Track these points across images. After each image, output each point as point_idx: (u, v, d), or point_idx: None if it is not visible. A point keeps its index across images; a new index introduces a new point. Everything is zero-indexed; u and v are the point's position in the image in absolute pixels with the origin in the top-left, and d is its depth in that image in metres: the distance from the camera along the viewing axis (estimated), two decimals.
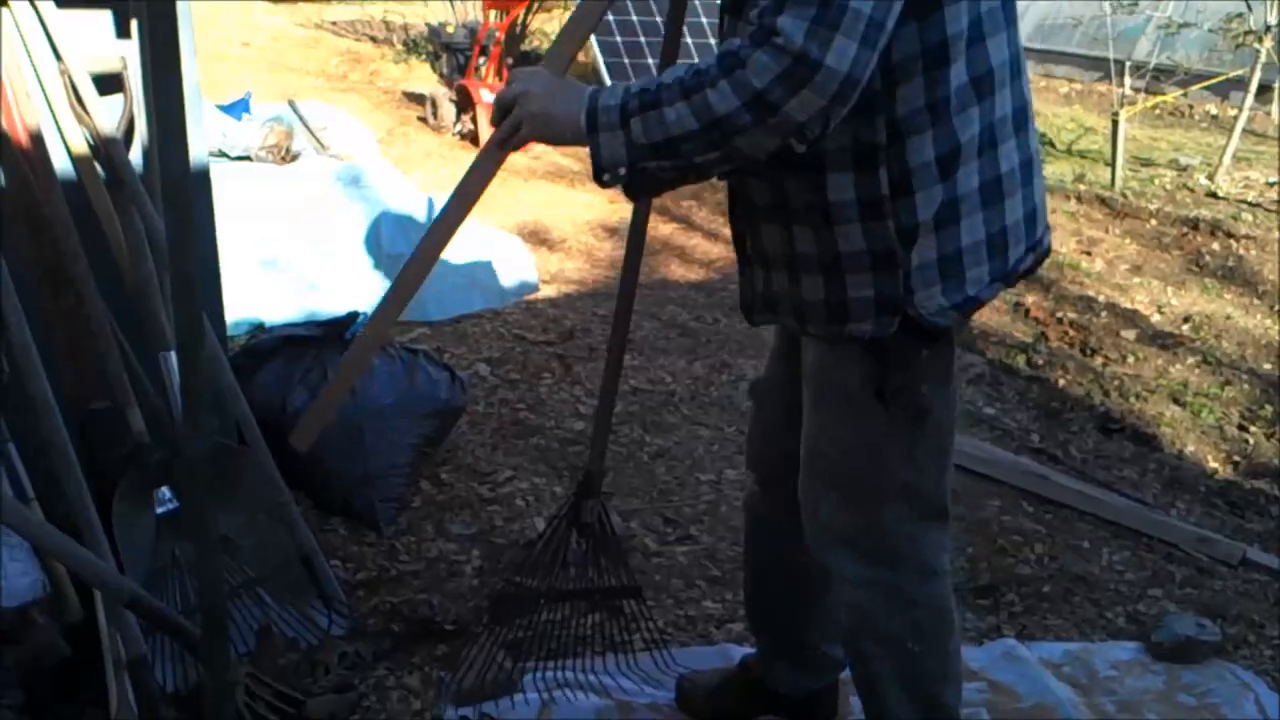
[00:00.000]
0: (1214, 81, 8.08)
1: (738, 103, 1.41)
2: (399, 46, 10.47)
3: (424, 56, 9.79)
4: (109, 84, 2.48)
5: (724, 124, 1.43)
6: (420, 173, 6.55)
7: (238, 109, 5.26)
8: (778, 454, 1.96)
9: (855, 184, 1.59)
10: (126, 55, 2.48)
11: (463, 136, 7.46)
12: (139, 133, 2.52)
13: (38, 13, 2.40)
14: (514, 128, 1.65)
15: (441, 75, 8.25)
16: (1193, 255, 5.92)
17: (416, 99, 8.36)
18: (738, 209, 1.81)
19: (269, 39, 10.86)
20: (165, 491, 2.31)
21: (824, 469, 1.80)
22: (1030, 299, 5.06)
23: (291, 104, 5.57)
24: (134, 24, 2.49)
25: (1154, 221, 6.41)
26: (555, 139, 1.64)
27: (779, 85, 1.38)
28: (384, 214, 4.27)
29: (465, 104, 7.44)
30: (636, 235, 2.25)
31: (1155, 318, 4.99)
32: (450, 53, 8.17)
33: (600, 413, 2.40)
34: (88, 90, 2.42)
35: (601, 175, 1.55)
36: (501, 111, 1.67)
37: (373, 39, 11.07)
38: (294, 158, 4.71)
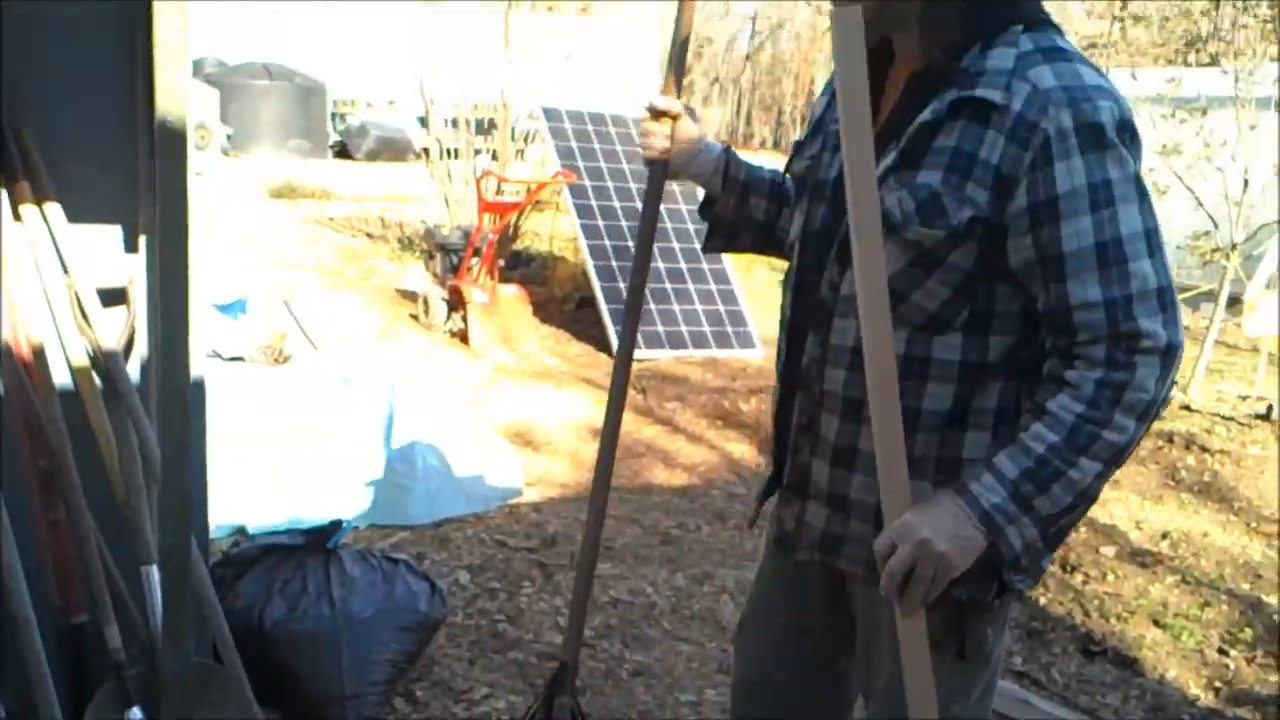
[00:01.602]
0: (1186, 296, 8.31)
1: (1136, 423, 1.46)
2: (395, 244, 10.76)
3: (418, 254, 10.05)
4: (113, 297, 2.56)
5: (1129, 449, 1.48)
6: (410, 369, 6.65)
7: (234, 309, 5.39)
8: (773, 705, 1.88)
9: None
10: (133, 270, 2.57)
11: (453, 334, 7.60)
12: (139, 346, 2.59)
13: (49, 226, 2.49)
14: (929, 581, 1.51)
15: (435, 274, 8.47)
16: (1169, 469, 5.98)
17: (410, 296, 8.55)
18: (809, 440, 1.71)
19: (269, 233, 11.15)
20: (136, 711, 2.27)
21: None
22: None
23: (286, 304, 5.70)
24: (142, 240, 2.59)
25: None
26: (965, 566, 1.52)
27: (1164, 384, 1.45)
28: (376, 420, 4.32)
29: (457, 303, 7.62)
30: (610, 434, 2.19)
31: (1134, 534, 5.02)
32: (444, 253, 8.40)
33: (575, 602, 2.30)
34: (92, 303, 2.50)
35: (1019, 562, 1.52)
36: (901, 576, 1.52)
37: (369, 235, 11.38)
38: (287, 359, 4.81)
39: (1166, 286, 1.45)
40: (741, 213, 1.96)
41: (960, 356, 1.56)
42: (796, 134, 35.07)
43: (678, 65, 1.99)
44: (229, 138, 17.22)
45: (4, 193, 2.34)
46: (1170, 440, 6.32)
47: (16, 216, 2.38)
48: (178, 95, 1.55)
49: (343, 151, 20.19)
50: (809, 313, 1.67)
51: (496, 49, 9.52)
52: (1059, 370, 1.49)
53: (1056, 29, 1.57)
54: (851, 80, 1.45)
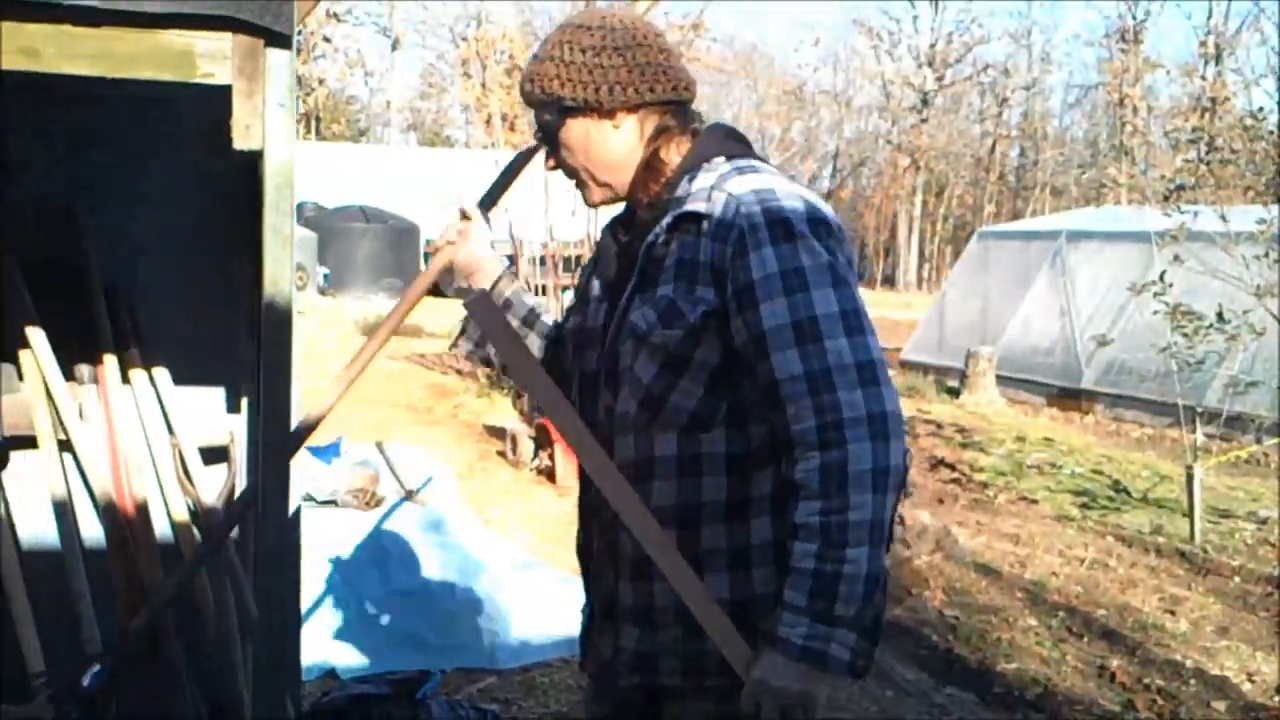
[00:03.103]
0: None
1: (872, 495, 1.56)
2: (483, 380, 10.93)
3: (506, 391, 10.19)
4: (215, 456, 2.66)
5: (884, 521, 1.58)
6: (497, 509, 6.68)
7: (328, 453, 5.51)
8: None
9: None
10: (234, 430, 2.67)
11: (540, 472, 7.65)
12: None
13: (156, 389, 2.61)
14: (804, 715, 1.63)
15: (522, 412, 8.57)
16: None
17: (497, 433, 8.64)
18: (610, 562, 1.80)
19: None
20: None
21: None
22: (1115, 662, 4.91)
23: (379, 446, 5.81)
24: (244, 401, 2.69)
25: (1237, 579, 6.26)
26: (825, 691, 1.64)
27: (884, 451, 1.57)
28: (464, 563, 4.35)
29: (544, 441, 7.68)
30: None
31: (1246, 686, 4.79)
32: None
33: None
34: (195, 462, 2.59)
35: (856, 666, 1.61)
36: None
37: (458, 372, 11.59)
38: (379, 502, 4.88)
39: (865, 362, 1.58)
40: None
41: (726, 449, 1.69)
42: (880, 268, 35.18)
43: (494, 193, 2.11)
44: (325, 277, 17.82)
45: (115, 358, 2.46)
46: None
47: (125, 380, 2.49)
48: (285, 281, 1.62)
49: (433, 289, 20.70)
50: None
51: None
52: (790, 472, 1.61)
53: (761, 159, 1.81)
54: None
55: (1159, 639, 5.30)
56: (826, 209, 1.71)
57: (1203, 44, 29.95)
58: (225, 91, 1.62)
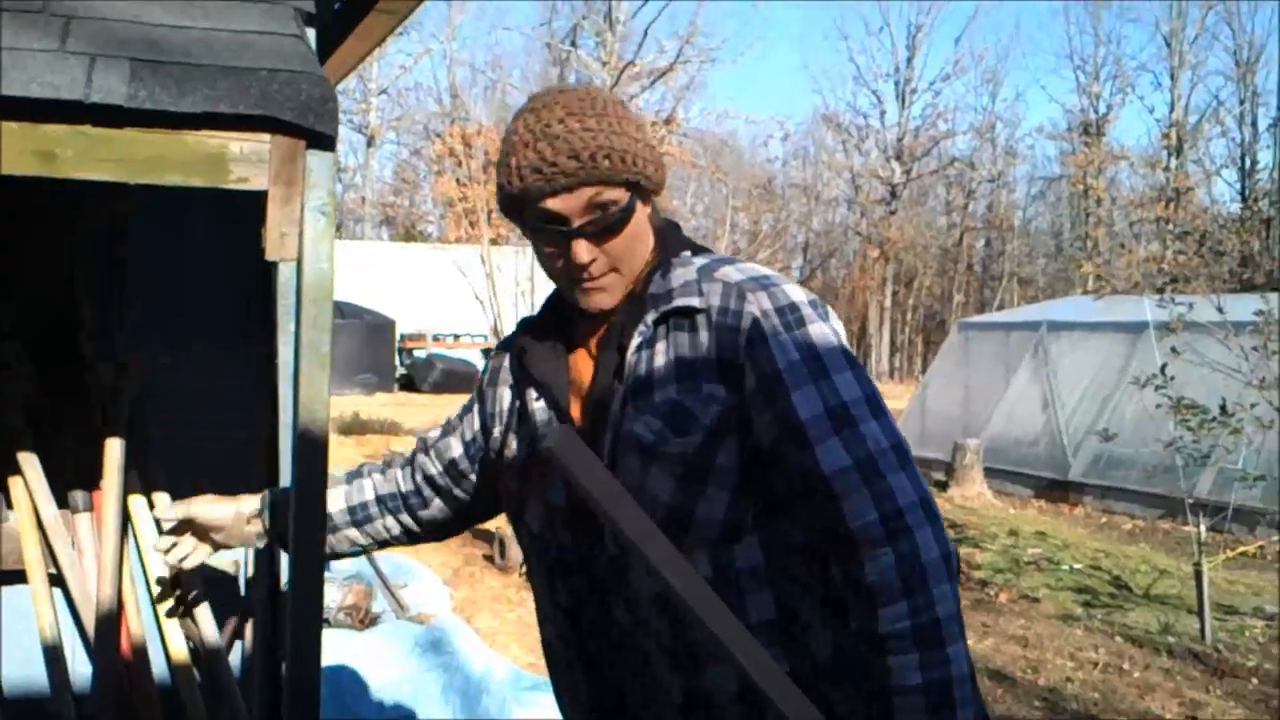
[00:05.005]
0: None
1: (949, 584, 1.41)
2: None
3: None
4: (220, 589, 2.45)
5: (959, 609, 1.42)
6: (487, 616, 6.44)
7: None
8: None
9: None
10: (240, 559, 2.46)
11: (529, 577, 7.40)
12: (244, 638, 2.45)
13: (155, 518, 2.40)
14: None
15: None
16: None
17: (483, 536, 8.40)
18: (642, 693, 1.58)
19: (337, 470, 11.15)
20: None
21: None
22: None
23: (369, 558, 5.57)
24: None
25: (1255, 680, 6.09)
26: None
27: (941, 535, 1.43)
28: (464, 682, 4.12)
29: None
30: None
31: None
32: None
33: None
34: (197, 596, 2.38)
35: None
36: None
37: None
38: (373, 620, 4.63)
39: (897, 444, 1.46)
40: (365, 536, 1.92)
41: (764, 558, 1.50)
42: (872, 360, 35.28)
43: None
44: None
45: (114, 482, 2.26)
46: None
47: (125, 510, 2.29)
48: (321, 407, 1.45)
49: (408, 383, 20.57)
50: (595, 582, 1.57)
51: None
52: (857, 577, 1.42)
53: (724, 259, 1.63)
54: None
55: None
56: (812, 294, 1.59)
57: (1165, 136, 30.59)
58: (260, 197, 1.45)
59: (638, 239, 1.57)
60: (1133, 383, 7.04)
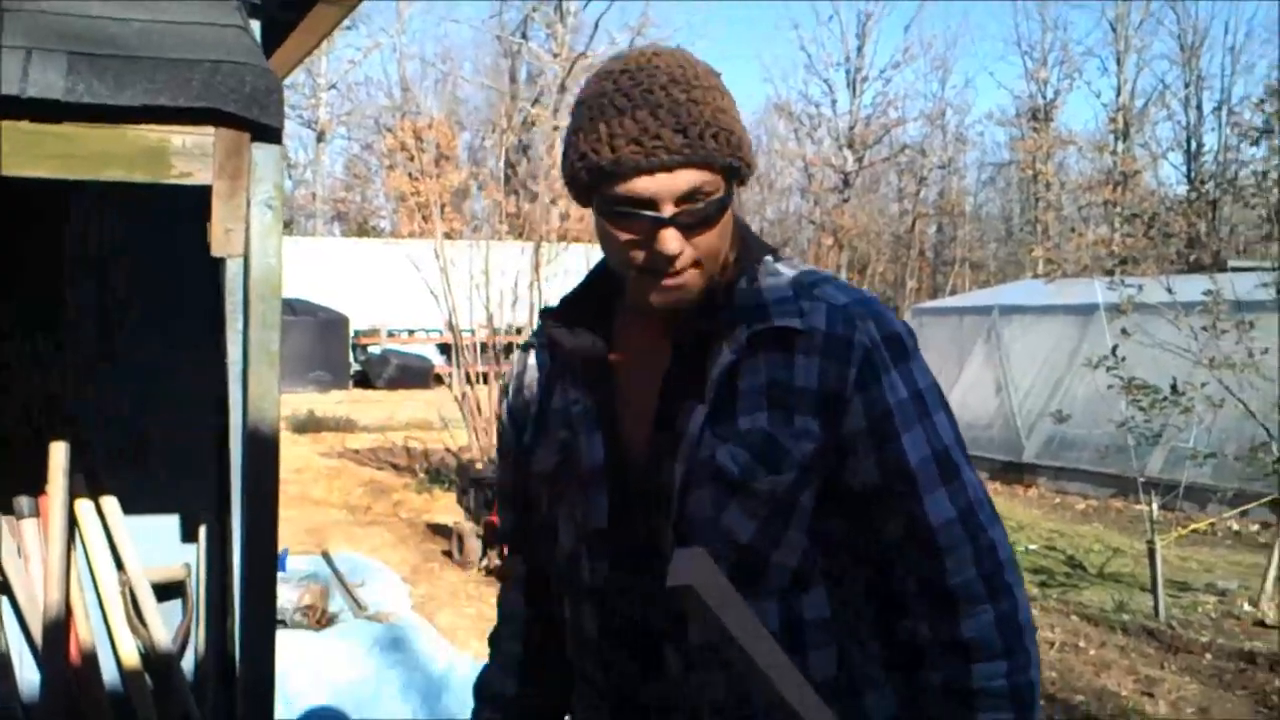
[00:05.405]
0: (1253, 506, 8.09)
1: (1034, 644, 1.36)
2: (421, 475, 10.63)
3: (447, 485, 9.91)
4: (168, 591, 2.40)
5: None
6: (448, 613, 6.39)
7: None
8: None
9: None
10: (190, 562, 2.42)
11: (489, 573, 7.36)
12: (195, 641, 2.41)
13: (103, 521, 2.36)
14: None
15: (468, 510, 8.29)
16: (1258, 694, 5.64)
17: (441, 532, 8.35)
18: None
19: (292, 470, 11.05)
20: None
21: None
22: None
23: (326, 557, 5.52)
24: (202, 529, 2.44)
25: (1209, 656, 6.17)
26: None
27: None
28: (425, 681, 4.09)
29: (492, 539, 7.41)
30: None
31: None
32: (478, 487, 8.25)
33: None
34: (146, 599, 2.34)
35: None
36: None
37: (395, 467, 11.27)
38: (331, 620, 4.58)
39: (987, 495, 1.40)
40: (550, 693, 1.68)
41: (831, 611, 1.39)
42: None
43: None
44: None
45: (59, 486, 2.21)
46: (1252, 660, 6.00)
47: (71, 514, 2.24)
48: (271, 404, 1.42)
49: (363, 380, 20.42)
50: (649, 619, 1.40)
51: (524, 278, 9.66)
52: (951, 632, 1.34)
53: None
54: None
55: None
56: None
57: (1112, 120, 30.93)
58: (204, 192, 1.42)
59: (725, 234, 1.38)
60: (1084, 364, 7.13)
